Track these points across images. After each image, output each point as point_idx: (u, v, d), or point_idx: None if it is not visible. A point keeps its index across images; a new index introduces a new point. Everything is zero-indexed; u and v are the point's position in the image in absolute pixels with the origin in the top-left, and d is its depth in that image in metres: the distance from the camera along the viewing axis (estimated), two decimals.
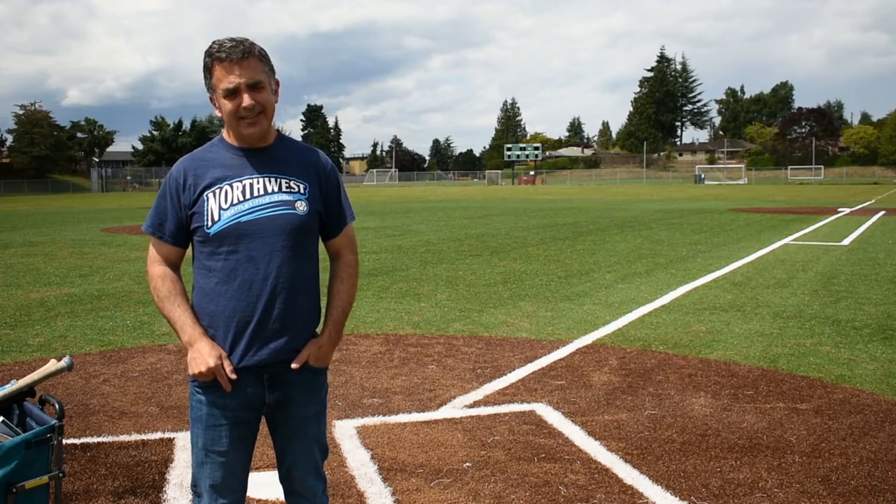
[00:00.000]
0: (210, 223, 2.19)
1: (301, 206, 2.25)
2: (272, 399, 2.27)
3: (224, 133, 2.31)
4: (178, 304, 2.24)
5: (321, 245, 2.40)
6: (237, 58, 2.15)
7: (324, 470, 2.45)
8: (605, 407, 4.63)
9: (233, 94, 2.17)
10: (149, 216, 2.28)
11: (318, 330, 2.37)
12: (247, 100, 2.17)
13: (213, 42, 2.19)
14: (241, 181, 2.22)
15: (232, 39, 2.18)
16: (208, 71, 2.20)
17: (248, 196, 2.21)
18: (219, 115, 2.27)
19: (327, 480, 2.51)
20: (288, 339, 2.24)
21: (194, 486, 2.32)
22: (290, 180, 2.26)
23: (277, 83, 2.30)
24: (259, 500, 3.33)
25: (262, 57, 2.22)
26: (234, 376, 2.20)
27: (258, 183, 2.23)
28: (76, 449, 3.96)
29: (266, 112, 2.22)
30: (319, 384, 2.36)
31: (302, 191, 2.27)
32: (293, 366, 2.26)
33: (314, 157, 2.35)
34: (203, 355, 2.18)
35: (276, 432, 2.36)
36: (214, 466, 2.27)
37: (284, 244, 2.21)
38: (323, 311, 2.39)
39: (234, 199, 2.20)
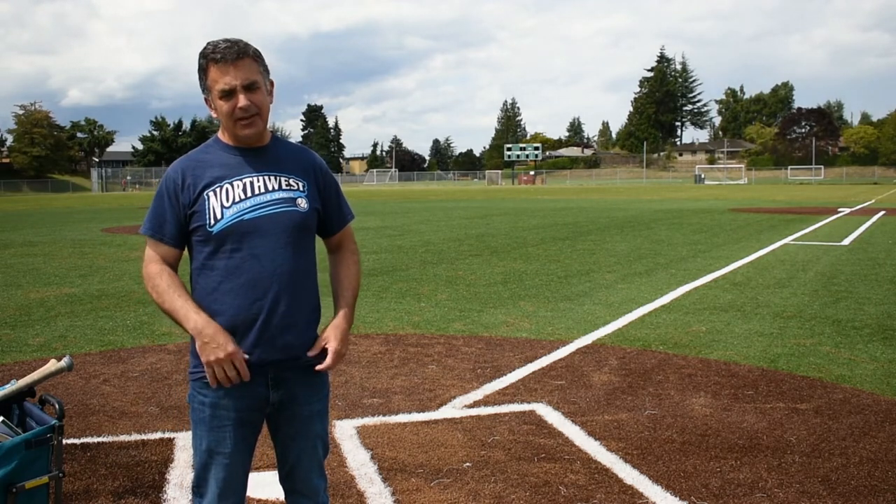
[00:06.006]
0: (213, 221, 2.18)
1: (302, 204, 2.26)
2: (276, 398, 2.26)
3: (219, 134, 2.31)
4: (178, 294, 2.18)
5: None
6: (232, 59, 2.15)
7: (325, 469, 2.45)
8: (605, 407, 4.63)
9: (228, 95, 2.17)
10: (146, 219, 2.26)
11: (331, 315, 2.35)
12: (242, 100, 2.16)
13: (208, 43, 2.18)
14: (240, 179, 2.22)
15: (226, 40, 2.17)
16: (203, 72, 2.19)
17: (249, 194, 2.21)
18: (215, 115, 2.27)
19: (328, 480, 2.51)
20: (293, 336, 2.24)
21: (197, 486, 2.30)
22: (289, 178, 2.27)
23: (272, 83, 2.31)
24: (259, 500, 3.33)
25: (257, 57, 2.22)
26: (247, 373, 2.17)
27: (258, 181, 2.23)
28: (76, 449, 3.96)
29: (262, 113, 2.22)
30: (323, 382, 2.36)
31: (301, 188, 2.29)
32: (325, 363, 2.25)
33: (310, 157, 2.38)
34: (218, 340, 2.11)
35: (279, 431, 2.34)
36: (219, 468, 2.25)
37: (287, 241, 2.22)
38: (322, 308, 2.39)
39: (235, 198, 2.19)
